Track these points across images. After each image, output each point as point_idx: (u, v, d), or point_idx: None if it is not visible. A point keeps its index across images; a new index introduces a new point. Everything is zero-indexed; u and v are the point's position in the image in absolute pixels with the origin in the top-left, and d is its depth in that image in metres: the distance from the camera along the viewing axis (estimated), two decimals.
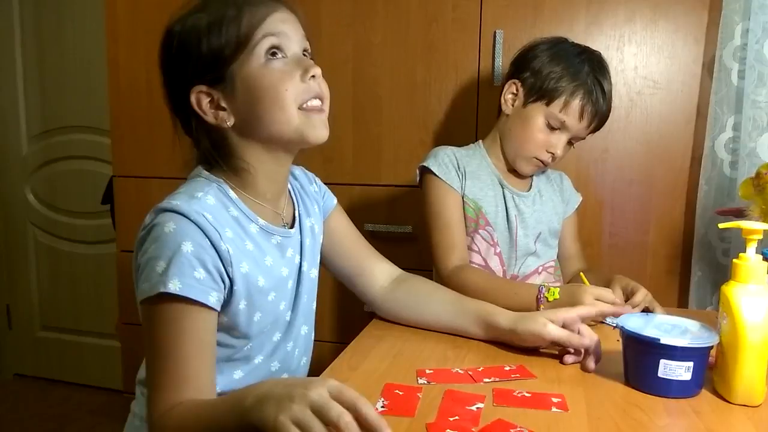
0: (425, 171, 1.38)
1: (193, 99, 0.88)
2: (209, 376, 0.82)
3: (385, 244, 1.34)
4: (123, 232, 2.01)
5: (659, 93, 1.63)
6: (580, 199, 1.51)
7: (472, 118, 1.72)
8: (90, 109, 2.62)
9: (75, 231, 2.77)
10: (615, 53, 1.60)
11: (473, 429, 0.71)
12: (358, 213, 1.79)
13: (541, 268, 1.42)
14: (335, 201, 1.17)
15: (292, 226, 1.01)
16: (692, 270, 1.62)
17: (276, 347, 0.98)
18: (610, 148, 1.65)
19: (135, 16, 1.89)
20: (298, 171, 1.12)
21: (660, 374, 0.81)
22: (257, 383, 0.72)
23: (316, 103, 0.91)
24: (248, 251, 0.89)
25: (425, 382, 0.85)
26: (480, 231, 1.35)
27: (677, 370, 0.80)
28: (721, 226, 0.86)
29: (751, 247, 0.81)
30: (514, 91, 1.35)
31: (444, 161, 1.36)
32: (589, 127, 1.32)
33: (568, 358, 0.95)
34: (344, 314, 1.88)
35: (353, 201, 1.80)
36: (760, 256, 0.81)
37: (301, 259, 1.02)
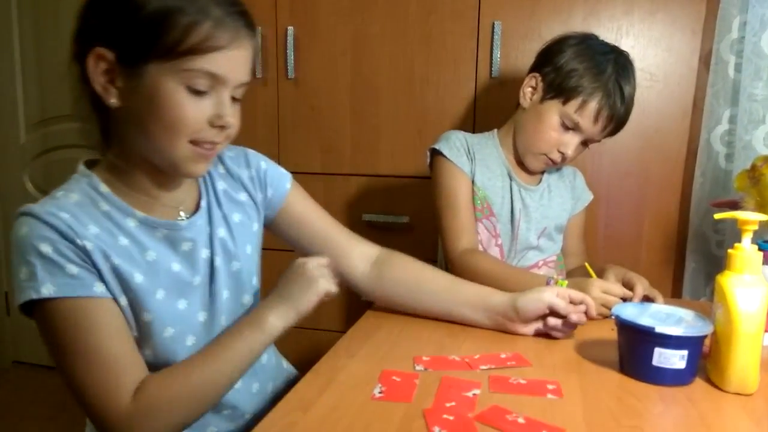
0: (435, 153, 1.36)
1: (91, 58, 0.78)
2: (141, 358, 0.81)
3: (382, 234, 1.35)
4: None
5: (656, 86, 1.63)
6: (591, 197, 1.49)
7: (469, 110, 1.72)
8: None
9: None
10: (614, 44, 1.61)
11: (469, 415, 0.71)
12: (355, 203, 1.79)
13: (541, 262, 1.41)
14: (289, 184, 1.06)
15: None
16: (686, 261, 1.63)
17: (191, 352, 0.86)
18: (607, 140, 1.65)
19: None
20: (233, 153, 1.01)
21: (654, 362, 0.82)
22: (256, 312, 0.88)
23: (209, 145, 0.83)
24: (121, 246, 0.82)
25: (422, 368, 0.86)
26: (483, 220, 1.35)
27: (672, 359, 0.81)
28: (717, 216, 0.87)
29: (747, 238, 0.82)
30: (534, 85, 1.32)
31: (455, 144, 1.35)
32: (604, 130, 1.29)
33: (551, 320, 0.99)
34: (343, 304, 1.88)
35: (351, 191, 1.80)
36: (755, 246, 0.81)
37: (211, 252, 0.92)
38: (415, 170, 1.78)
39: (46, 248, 0.76)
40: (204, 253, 0.91)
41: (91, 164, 0.88)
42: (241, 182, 1.00)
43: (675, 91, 1.63)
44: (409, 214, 1.78)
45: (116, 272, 0.80)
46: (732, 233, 1.53)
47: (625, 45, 1.62)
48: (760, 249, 0.82)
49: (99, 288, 0.78)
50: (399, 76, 1.76)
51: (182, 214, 0.91)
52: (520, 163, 1.39)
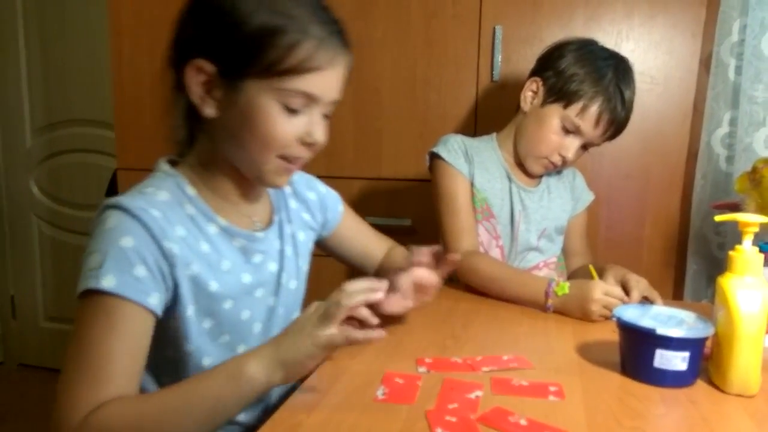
0: (434, 157, 1.38)
1: (190, 69, 0.79)
2: (135, 381, 0.74)
3: None
4: None
5: (656, 89, 1.63)
6: (592, 197, 1.50)
7: (471, 113, 1.73)
8: (94, 103, 2.63)
9: (79, 223, 2.78)
10: (612, 49, 1.62)
11: (472, 416, 0.72)
12: (358, 206, 1.78)
13: (542, 263, 1.42)
14: (341, 206, 1.13)
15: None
16: (687, 263, 1.64)
17: None
18: (607, 142, 1.66)
19: (138, 8, 1.90)
20: (296, 176, 1.04)
21: (656, 364, 0.82)
22: (238, 357, 0.74)
23: (295, 160, 0.86)
24: (202, 252, 0.82)
25: (425, 370, 0.86)
26: (483, 222, 1.36)
27: (673, 361, 0.81)
28: (718, 218, 0.87)
29: (747, 239, 0.82)
30: (535, 89, 1.33)
31: (453, 147, 1.36)
32: (604, 134, 1.30)
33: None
34: None
35: (354, 195, 1.81)
36: (756, 248, 0.82)
37: (280, 268, 0.94)
38: (416, 173, 1.78)
39: (127, 242, 0.74)
40: (272, 267, 0.93)
41: (170, 164, 0.88)
42: (306, 204, 1.04)
43: (675, 94, 1.63)
44: (411, 216, 1.78)
45: (194, 280, 0.80)
46: (733, 235, 1.53)
47: (625, 48, 1.62)
48: (760, 251, 0.82)
49: (153, 299, 0.75)
50: (401, 79, 1.77)
51: (258, 224, 0.92)
52: (520, 165, 1.41)
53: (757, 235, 0.83)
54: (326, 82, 0.81)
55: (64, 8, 2.62)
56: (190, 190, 0.84)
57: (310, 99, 0.80)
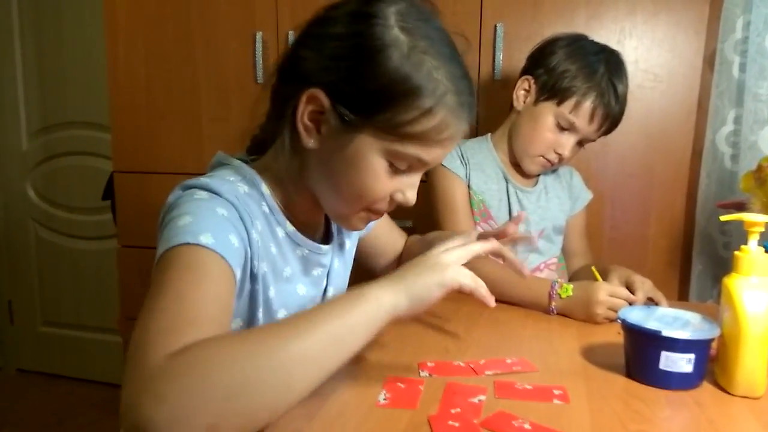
0: None
1: (305, 96, 0.74)
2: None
3: None
4: (124, 228, 2.01)
5: (660, 86, 1.63)
6: (590, 196, 1.50)
7: None
8: (90, 105, 2.63)
9: (76, 227, 2.78)
10: (616, 47, 1.59)
11: (475, 421, 0.71)
12: None
13: (543, 265, 1.41)
14: None
15: (325, 244, 0.92)
16: (693, 263, 1.63)
17: None
18: (611, 141, 1.65)
19: (134, 10, 1.89)
20: None
21: (661, 366, 0.81)
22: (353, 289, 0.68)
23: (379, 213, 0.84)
24: (271, 254, 0.80)
25: (427, 374, 0.85)
26: (482, 224, 1.35)
27: (679, 363, 0.80)
28: (723, 218, 0.86)
29: (753, 240, 0.81)
30: (527, 88, 1.33)
31: None
32: (599, 129, 1.29)
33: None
34: None
35: None
36: (762, 249, 0.81)
37: (327, 282, 0.93)
38: None
39: (222, 211, 0.71)
40: (324, 282, 0.93)
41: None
42: None
43: (679, 92, 1.62)
44: (412, 218, 1.77)
45: (263, 279, 0.79)
46: (738, 235, 1.52)
47: (628, 46, 1.62)
48: (766, 251, 0.81)
49: (238, 271, 0.70)
50: None
51: (317, 239, 0.91)
52: (516, 166, 1.40)
53: (762, 235, 0.83)
54: (443, 152, 0.78)
55: (60, 10, 2.62)
56: (266, 190, 0.82)
57: (421, 164, 0.78)
